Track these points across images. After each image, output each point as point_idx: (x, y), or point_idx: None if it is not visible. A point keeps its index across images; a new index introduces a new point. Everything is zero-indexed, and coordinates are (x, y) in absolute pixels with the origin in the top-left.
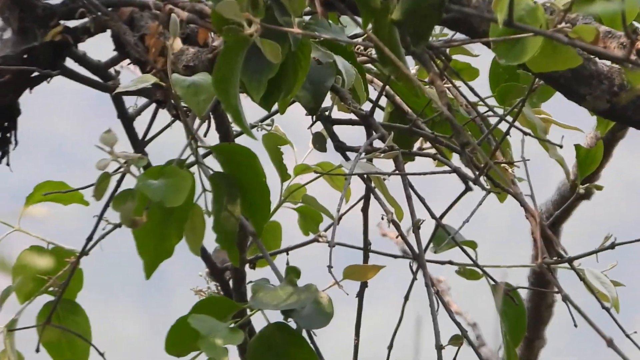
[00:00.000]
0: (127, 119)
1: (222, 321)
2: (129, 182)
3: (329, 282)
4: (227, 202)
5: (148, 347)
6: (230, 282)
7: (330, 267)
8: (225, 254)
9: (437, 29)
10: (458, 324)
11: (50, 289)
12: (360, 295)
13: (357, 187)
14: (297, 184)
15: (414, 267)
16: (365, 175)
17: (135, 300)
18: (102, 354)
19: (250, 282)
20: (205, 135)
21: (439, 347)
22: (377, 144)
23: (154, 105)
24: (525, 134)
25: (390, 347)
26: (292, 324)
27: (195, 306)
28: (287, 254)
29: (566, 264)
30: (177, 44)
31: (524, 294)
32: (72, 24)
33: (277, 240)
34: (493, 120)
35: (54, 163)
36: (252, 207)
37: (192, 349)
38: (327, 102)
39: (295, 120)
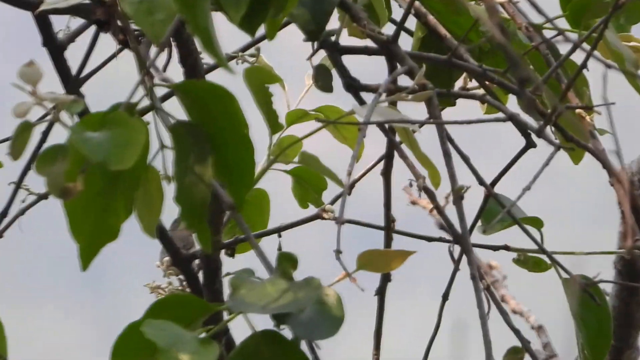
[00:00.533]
0: (55, 48)
1: (189, 329)
2: (59, 136)
3: (338, 274)
4: (194, 162)
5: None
6: (200, 275)
7: (338, 252)
8: (192, 236)
9: None
10: (517, 331)
11: None
12: (381, 292)
13: (376, 142)
14: (292, 136)
15: (456, 254)
16: (386, 125)
17: (68, 300)
18: None
19: (228, 274)
20: (164, 70)
21: None
22: (403, 81)
23: (93, 29)
24: (608, 67)
25: None
26: (286, 332)
27: (152, 308)
28: (279, 235)
29: None
30: None
31: (608, 289)
32: None
33: (265, 216)
34: (564, 49)
35: None
36: (230, 170)
37: None
38: (334, 23)
39: (289, 49)
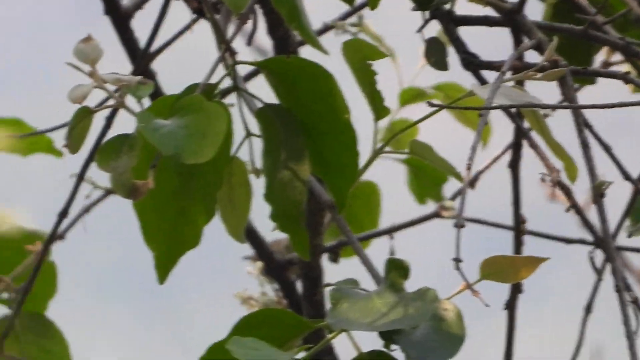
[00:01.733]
0: (119, 16)
1: (284, 349)
2: (125, 124)
3: (457, 284)
4: (287, 154)
5: None
6: (298, 285)
7: (457, 260)
8: (287, 240)
9: None
10: None
11: (3, 295)
12: (510, 306)
13: (501, 129)
14: (405, 120)
15: (598, 260)
16: (513, 110)
17: (139, 309)
18: None
19: (329, 284)
20: (248, 44)
21: None
22: (531, 57)
23: None
24: None
25: None
26: (397, 354)
27: (240, 323)
28: (391, 237)
29: None
30: None
31: None
32: None
33: (374, 214)
34: None
35: (1, 92)
36: (329, 163)
37: None
38: None
39: (394, 20)
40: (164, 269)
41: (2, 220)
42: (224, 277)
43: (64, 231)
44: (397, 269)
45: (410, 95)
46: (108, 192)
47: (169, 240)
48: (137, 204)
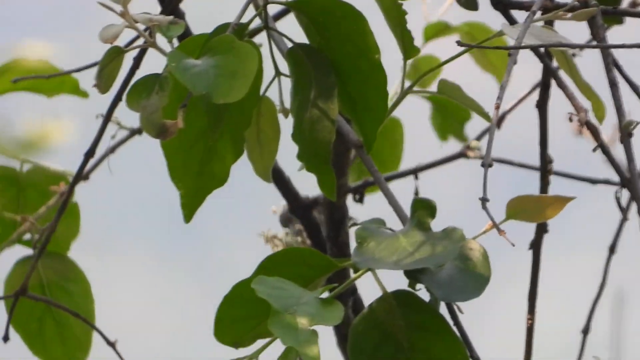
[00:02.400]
0: None
1: (309, 288)
2: (155, 63)
3: (483, 224)
4: (316, 94)
5: (183, 331)
6: (323, 225)
7: (484, 200)
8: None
9: None
10: None
11: (26, 236)
12: (535, 245)
13: (529, 69)
14: (430, 57)
15: (623, 200)
16: (542, 49)
17: (163, 250)
18: (112, 345)
19: (354, 224)
20: None
21: None
22: None
23: None
24: None
25: (585, 331)
26: (422, 293)
27: (265, 263)
28: (416, 177)
29: None
30: None
31: None
32: None
33: (397, 151)
34: None
35: (29, 29)
36: (358, 103)
37: (259, 334)
38: None
39: None
40: (190, 207)
41: (27, 160)
42: (249, 216)
43: (89, 172)
44: (424, 208)
45: (435, 30)
46: (133, 133)
47: (196, 179)
48: (166, 142)
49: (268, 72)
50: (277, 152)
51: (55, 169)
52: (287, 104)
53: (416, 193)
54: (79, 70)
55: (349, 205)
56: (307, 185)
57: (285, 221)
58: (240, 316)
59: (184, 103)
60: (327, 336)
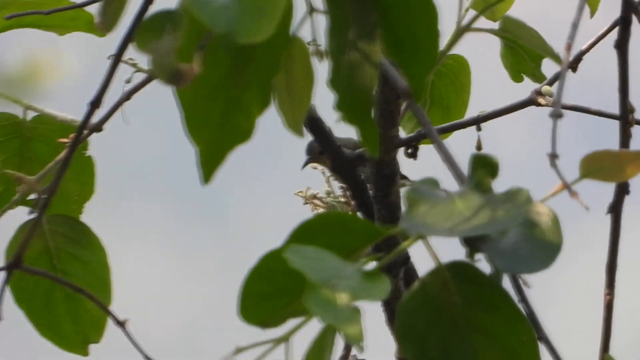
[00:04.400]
0: None
1: (351, 259)
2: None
3: (553, 184)
4: (356, 34)
5: (204, 309)
6: (369, 186)
7: (554, 156)
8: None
9: None
10: None
11: (30, 196)
12: (615, 209)
13: (607, 3)
14: None
15: None
16: None
17: (184, 216)
18: (122, 324)
19: (404, 184)
20: None
21: None
22: None
23: None
24: None
25: None
26: (481, 264)
27: (300, 229)
28: (478, 128)
29: None
30: None
31: None
32: None
33: (462, 96)
34: None
35: None
36: (405, 44)
37: (291, 312)
38: None
39: None
40: (209, 166)
41: (32, 108)
42: (282, 174)
43: (101, 122)
44: (484, 166)
45: None
46: (152, 77)
47: (217, 134)
48: (181, 92)
49: (300, 8)
50: (310, 101)
51: (64, 117)
52: (323, 45)
53: (478, 147)
54: (82, 5)
55: (401, 160)
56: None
57: (310, 151)
58: (269, 292)
59: (202, 44)
60: (375, 313)
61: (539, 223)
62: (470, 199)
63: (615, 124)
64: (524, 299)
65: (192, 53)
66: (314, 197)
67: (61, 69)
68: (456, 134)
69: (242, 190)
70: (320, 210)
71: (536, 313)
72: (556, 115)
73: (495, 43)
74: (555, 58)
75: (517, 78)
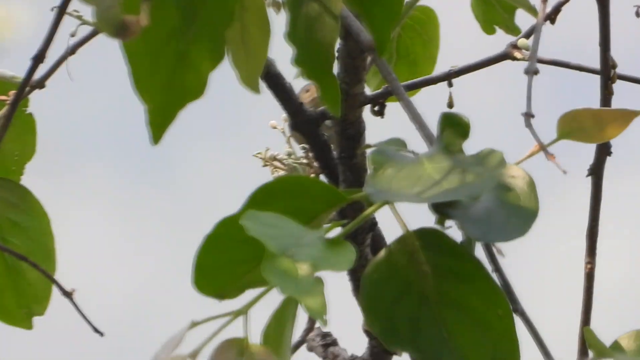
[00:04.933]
0: None
1: (312, 225)
2: None
3: (529, 145)
4: None
5: (155, 278)
6: (333, 147)
7: (529, 115)
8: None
9: None
10: None
11: None
12: (596, 171)
13: None
14: None
15: None
16: None
17: (133, 178)
18: (69, 295)
19: (369, 145)
20: None
21: None
22: None
23: None
24: None
25: None
26: (453, 232)
27: (257, 194)
28: (449, 84)
29: None
30: None
31: None
32: None
33: (431, 50)
34: None
35: None
36: None
37: (249, 283)
38: None
39: None
40: (159, 125)
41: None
42: (237, 134)
43: (44, 78)
44: (454, 125)
45: None
46: (97, 30)
47: (166, 91)
48: (128, 45)
49: None
50: (266, 55)
51: (4, 73)
52: None
53: (450, 105)
54: None
55: (367, 119)
56: None
57: None
58: (225, 261)
59: None
60: (340, 282)
61: (514, 187)
62: (440, 162)
63: (596, 81)
64: (498, 269)
65: (138, 4)
66: (274, 158)
67: (10, 24)
68: (425, 91)
69: (197, 152)
70: (281, 172)
71: (511, 284)
72: (532, 71)
73: None
74: (530, 10)
75: (489, 30)
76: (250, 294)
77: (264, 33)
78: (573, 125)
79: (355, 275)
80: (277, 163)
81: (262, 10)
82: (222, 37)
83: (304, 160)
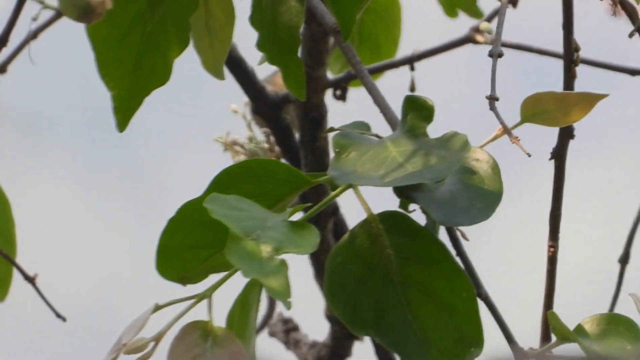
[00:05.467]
0: None
1: (276, 209)
2: None
3: (493, 129)
4: None
5: (118, 262)
6: (295, 131)
7: (493, 98)
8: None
9: None
10: None
11: None
12: (558, 155)
13: None
14: None
15: None
16: None
17: (95, 164)
18: (31, 280)
19: (333, 129)
20: None
21: None
22: None
23: None
24: None
25: (623, 261)
26: (416, 215)
27: (221, 177)
28: (412, 67)
29: None
30: None
31: None
32: None
33: (394, 34)
34: None
35: None
36: None
37: (213, 266)
38: None
39: None
40: (124, 111)
41: None
42: (200, 118)
43: (5, 62)
44: (418, 109)
45: None
46: (60, 14)
47: (132, 76)
48: (93, 30)
49: None
50: (231, 40)
51: None
52: None
53: (412, 88)
54: None
55: (329, 103)
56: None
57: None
58: (189, 245)
59: None
60: (302, 267)
61: (478, 170)
62: (404, 145)
63: (559, 65)
64: (460, 253)
65: None
66: (235, 143)
67: None
68: (388, 75)
69: (160, 136)
70: (242, 157)
71: (474, 267)
72: (495, 54)
73: None
74: None
75: (451, 13)
76: (214, 277)
77: (228, 18)
78: (537, 108)
79: (317, 260)
80: (238, 147)
81: None
82: (187, 21)
83: (266, 145)
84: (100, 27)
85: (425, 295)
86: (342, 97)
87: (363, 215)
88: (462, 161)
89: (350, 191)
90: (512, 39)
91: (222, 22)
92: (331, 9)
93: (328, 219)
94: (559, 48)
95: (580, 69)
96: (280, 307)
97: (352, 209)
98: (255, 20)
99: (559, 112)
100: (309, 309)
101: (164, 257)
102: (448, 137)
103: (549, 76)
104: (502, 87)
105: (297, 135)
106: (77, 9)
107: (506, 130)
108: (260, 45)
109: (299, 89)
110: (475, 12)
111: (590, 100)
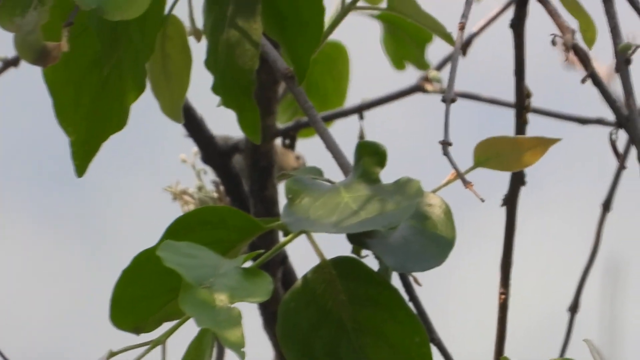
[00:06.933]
0: None
1: (229, 256)
2: None
3: (445, 174)
4: (234, 10)
5: (72, 313)
6: (244, 177)
7: (446, 143)
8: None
9: None
10: None
11: None
12: (510, 200)
13: None
14: None
15: (620, 143)
16: None
17: (50, 215)
18: None
19: (284, 175)
20: None
21: None
22: None
23: None
24: None
25: (573, 309)
26: (369, 261)
27: (174, 225)
28: (361, 116)
29: None
30: None
31: None
32: None
33: (342, 84)
34: None
35: None
36: (288, 21)
37: (167, 315)
38: None
39: None
40: (82, 157)
41: None
42: (153, 167)
43: None
44: (371, 154)
45: None
46: (8, 64)
47: (89, 121)
48: (50, 74)
49: None
50: (188, 83)
51: None
52: (199, 23)
53: (361, 136)
54: None
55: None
56: (226, 128)
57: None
58: (143, 294)
59: (69, 20)
60: (250, 317)
61: (430, 215)
62: (357, 190)
63: (511, 111)
64: (413, 298)
65: (59, 29)
66: (184, 192)
67: None
68: (338, 125)
69: (115, 183)
70: (191, 207)
71: (427, 313)
72: (448, 100)
73: (377, 29)
74: (447, 38)
75: (399, 65)
76: (169, 323)
77: (185, 61)
78: (490, 153)
79: (267, 309)
80: (187, 197)
81: (184, 38)
82: (144, 66)
83: (215, 194)
84: (57, 70)
85: (379, 340)
86: (290, 146)
87: (312, 263)
88: (415, 207)
89: (300, 238)
90: (463, 85)
91: (179, 65)
92: (286, 53)
93: (277, 267)
94: (511, 93)
95: (532, 116)
96: (230, 354)
97: (300, 257)
98: (210, 63)
99: (512, 156)
100: (259, 357)
101: (118, 308)
102: (402, 183)
103: (501, 121)
104: (455, 135)
105: (246, 185)
106: (33, 51)
107: (459, 175)
108: (215, 89)
109: (255, 132)
110: (422, 64)
111: (543, 144)
